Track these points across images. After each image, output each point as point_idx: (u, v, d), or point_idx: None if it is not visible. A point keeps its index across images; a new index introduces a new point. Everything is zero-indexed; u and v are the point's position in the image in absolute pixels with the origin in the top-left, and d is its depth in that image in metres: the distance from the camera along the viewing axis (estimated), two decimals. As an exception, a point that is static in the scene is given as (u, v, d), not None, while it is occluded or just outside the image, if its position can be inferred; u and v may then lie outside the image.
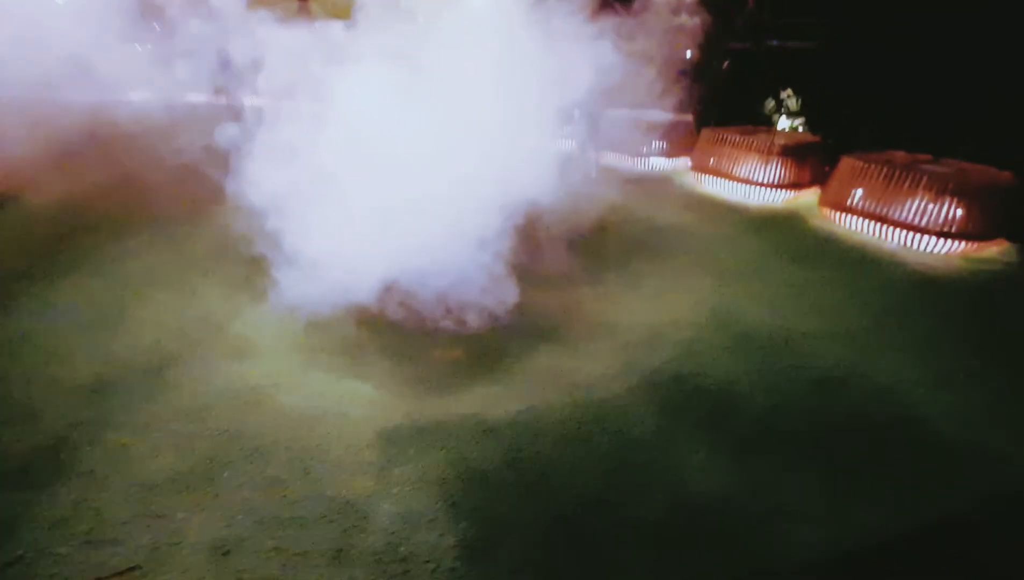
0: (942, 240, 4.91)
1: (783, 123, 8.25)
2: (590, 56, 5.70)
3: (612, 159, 8.18)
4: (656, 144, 7.76)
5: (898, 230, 5.12)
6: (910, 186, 5.05)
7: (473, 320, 4.32)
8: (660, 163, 7.78)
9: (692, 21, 10.56)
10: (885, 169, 5.21)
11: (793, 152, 6.30)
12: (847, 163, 5.60)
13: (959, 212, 4.84)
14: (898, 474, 2.64)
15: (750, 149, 6.41)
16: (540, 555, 2.17)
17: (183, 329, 3.68)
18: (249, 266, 4.18)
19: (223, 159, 3.94)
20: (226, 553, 2.12)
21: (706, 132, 6.98)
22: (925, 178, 4.96)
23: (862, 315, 3.97)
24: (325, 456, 2.63)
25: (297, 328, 3.78)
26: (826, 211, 5.77)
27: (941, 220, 4.89)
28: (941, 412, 3.02)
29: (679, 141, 7.75)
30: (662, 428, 2.89)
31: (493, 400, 3.16)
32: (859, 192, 5.41)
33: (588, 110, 6.96)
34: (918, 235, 5.00)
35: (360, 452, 2.68)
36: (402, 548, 2.18)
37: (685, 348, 3.64)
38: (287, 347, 3.62)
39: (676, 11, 10.53)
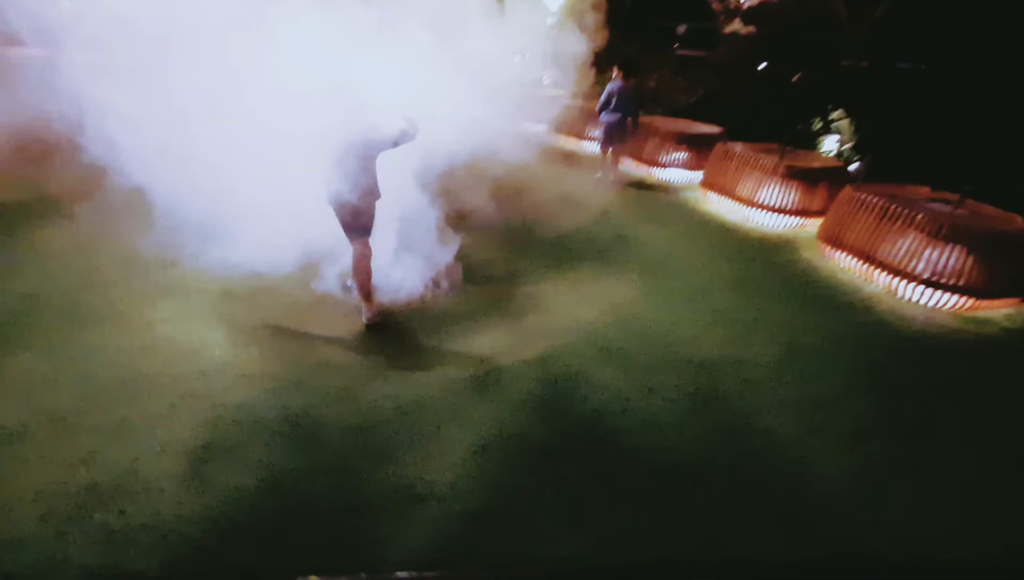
0: (931, 290, 4.28)
1: (828, 145, 7.52)
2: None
3: (630, 164, 7.91)
4: (675, 154, 7.39)
5: (884, 273, 4.53)
6: (902, 224, 4.44)
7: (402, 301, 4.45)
8: (678, 175, 7.40)
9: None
10: (880, 203, 4.62)
11: (804, 175, 5.74)
12: (846, 193, 5.02)
13: (955, 260, 4.19)
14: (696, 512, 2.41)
15: (755, 168, 5.93)
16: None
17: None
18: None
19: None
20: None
21: (719, 147, 6.54)
22: (920, 216, 4.34)
23: (795, 356, 3.57)
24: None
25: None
26: (821, 244, 5.22)
27: (932, 267, 4.25)
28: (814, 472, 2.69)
29: (703, 153, 7.31)
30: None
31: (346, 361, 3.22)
32: (851, 226, 4.84)
33: (610, 115, 6.79)
34: (904, 281, 4.40)
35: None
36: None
37: (563, 358, 3.51)
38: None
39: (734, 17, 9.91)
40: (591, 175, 7.28)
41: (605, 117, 6.91)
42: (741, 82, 9.43)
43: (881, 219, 4.58)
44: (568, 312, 4.12)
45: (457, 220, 5.43)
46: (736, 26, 9.54)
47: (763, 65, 10.57)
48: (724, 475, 2.61)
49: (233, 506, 2.27)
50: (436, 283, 4.84)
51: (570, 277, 4.87)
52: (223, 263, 4.33)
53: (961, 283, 4.16)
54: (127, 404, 2.80)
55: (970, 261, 4.15)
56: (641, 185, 7.24)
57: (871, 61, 8.78)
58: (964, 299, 4.21)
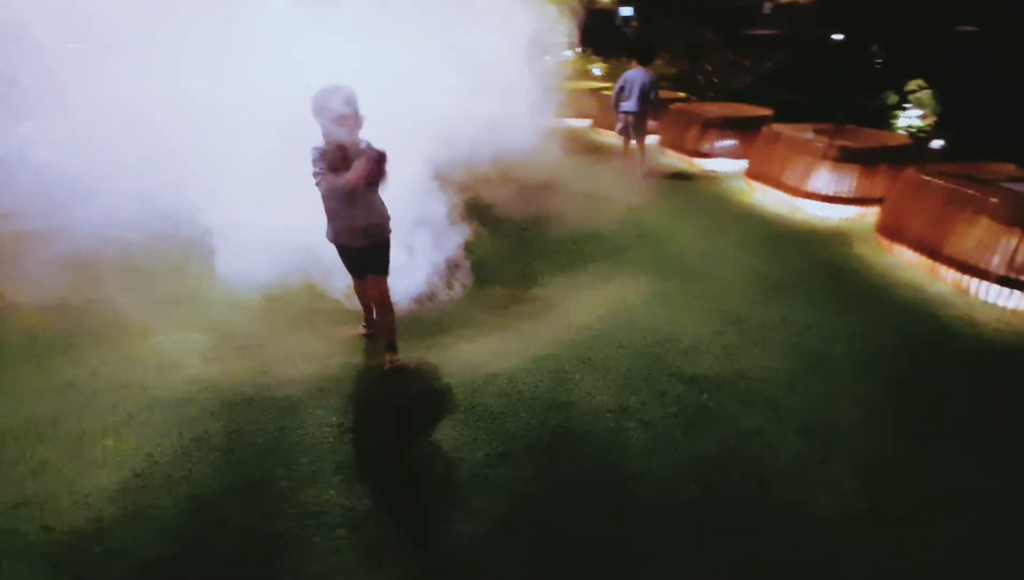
0: (1009, 290, 3.50)
1: (906, 120, 6.55)
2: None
3: (672, 155, 7.36)
4: (719, 142, 6.74)
5: (951, 269, 3.77)
6: (972, 209, 3.67)
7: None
8: (722, 164, 6.75)
9: None
10: (946, 185, 3.86)
11: (861, 157, 4.98)
12: (908, 177, 4.26)
13: (1040, 252, 3.39)
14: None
15: (803, 152, 5.23)
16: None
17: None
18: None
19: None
20: None
21: (764, 130, 5.86)
22: (995, 201, 3.56)
23: (813, 370, 3.03)
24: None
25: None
26: (879, 237, 4.48)
27: (1010, 261, 3.47)
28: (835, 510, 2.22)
29: (751, 139, 6.62)
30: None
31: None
32: (913, 214, 4.09)
33: (627, 104, 6.36)
34: (975, 279, 3.63)
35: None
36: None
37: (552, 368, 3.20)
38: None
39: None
40: (627, 168, 6.82)
41: (623, 107, 6.45)
42: (805, 58, 8.48)
43: (947, 204, 3.83)
44: (565, 319, 3.79)
45: (473, 217, 5.26)
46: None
47: (838, 37, 9.48)
48: (688, 511, 2.20)
49: (145, 526, 2.21)
50: (441, 284, 4.71)
51: (580, 279, 4.54)
52: (233, 271, 4.42)
53: (1048, 280, 3.37)
54: (92, 416, 2.86)
55: (1062, 252, 3.34)
56: (680, 177, 6.68)
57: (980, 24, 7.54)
58: (1055, 299, 3.40)
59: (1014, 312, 3.48)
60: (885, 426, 2.63)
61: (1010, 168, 4.15)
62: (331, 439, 2.72)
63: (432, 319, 4.15)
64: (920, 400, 2.81)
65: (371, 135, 2.79)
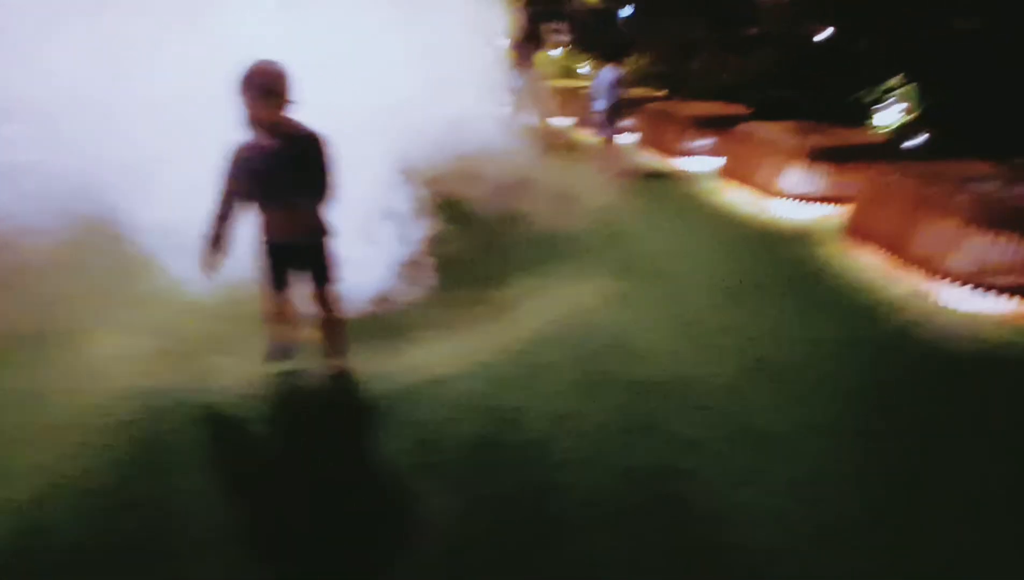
0: (973, 291, 3.38)
1: (887, 118, 6.42)
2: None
3: (650, 154, 7.25)
4: (697, 141, 6.63)
5: (915, 270, 3.66)
6: (938, 208, 3.55)
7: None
8: (700, 163, 6.63)
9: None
10: (914, 186, 3.74)
11: (834, 156, 4.86)
12: (876, 176, 4.15)
13: (1007, 251, 3.27)
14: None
15: (776, 150, 5.11)
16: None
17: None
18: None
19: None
20: None
21: (738, 129, 5.75)
22: (961, 201, 3.44)
23: (765, 376, 2.92)
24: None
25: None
26: (848, 237, 4.37)
27: (974, 261, 3.36)
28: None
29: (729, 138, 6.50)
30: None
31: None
32: (880, 214, 3.98)
33: (613, 97, 6.24)
34: (939, 280, 3.52)
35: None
36: None
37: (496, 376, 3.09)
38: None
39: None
40: (603, 168, 6.71)
41: (594, 106, 6.36)
42: (791, 55, 8.34)
43: (914, 204, 3.71)
44: (521, 322, 3.69)
45: (440, 214, 5.15)
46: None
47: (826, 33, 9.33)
48: (610, 529, 2.09)
49: (44, 538, 2.11)
50: (402, 283, 4.61)
51: (544, 280, 4.43)
52: (187, 271, 4.31)
53: (1016, 281, 3.24)
54: (13, 423, 2.77)
55: (1030, 254, 3.23)
56: (657, 176, 6.56)
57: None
58: (1021, 302, 3.28)
59: (979, 316, 3.36)
60: (829, 437, 2.51)
61: (984, 167, 4.03)
62: (255, 449, 2.63)
63: (387, 321, 4.05)
64: (872, 410, 2.69)
65: (333, 123, 2.64)
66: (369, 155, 4.14)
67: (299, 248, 2.73)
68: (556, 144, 8.42)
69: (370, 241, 4.38)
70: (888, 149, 5.05)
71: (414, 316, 4.15)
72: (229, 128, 2.50)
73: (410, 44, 4.51)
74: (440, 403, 2.78)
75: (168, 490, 2.30)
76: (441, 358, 3.31)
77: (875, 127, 6.22)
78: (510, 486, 2.29)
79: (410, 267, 4.70)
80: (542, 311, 3.81)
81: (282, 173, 2.51)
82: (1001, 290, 3.27)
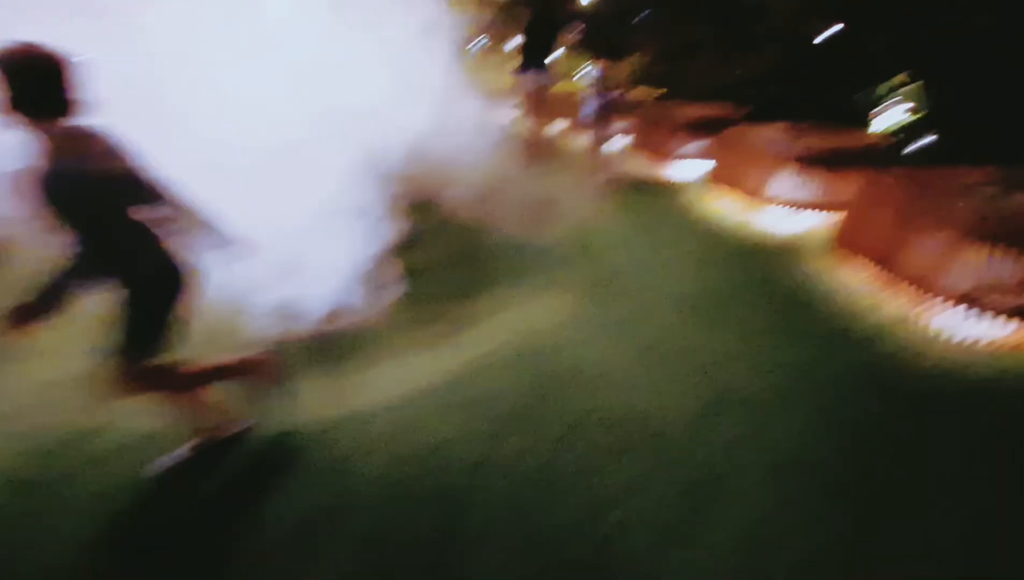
0: (969, 312, 3.02)
1: (887, 120, 6.02)
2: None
3: (639, 157, 6.93)
4: (688, 144, 6.29)
5: (907, 287, 3.31)
6: (931, 219, 3.20)
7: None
8: (691, 167, 6.29)
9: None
10: (907, 194, 3.39)
11: (828, 160, 4.51)
12: (867, 182, 3.80)
13: (1004, 268, 2.91)
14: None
15: (765, 154, 4.77)
16: None
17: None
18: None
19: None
20: None
21: (728, 132, 5.41)
22: (955, 212, 3.08)
23: (725, 409, 2.61)
24: None
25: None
26: (839, 249, 4.02)
27: (969, 279, 3.00)
28: None
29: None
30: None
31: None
32: (870, 224, 3.63)
33: (601, 99, 5.95)
34: (932, 299, 3.16)
35: None
36: None
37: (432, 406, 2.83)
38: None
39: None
40: (589, 173, 6.42)
41: (586, 109, 6.07)
42: (792, 53, 7.95)
43: (906, 214, 3.36)
44: (472, 344, 3.43)
45: (410, 223, 4.92)
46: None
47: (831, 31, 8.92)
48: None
49: None
50: (359, 299, 4.39)
51: (507, 296, 4.18)
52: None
53: (1014, 302, 2.88)
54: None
55: (1030, 271, 2.86)
56: (645, 182, 6.24)
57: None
58: (1020, 326, 2.91)
59: (976, 342, 3.00)
60: (790, 485, 2.20)
61: (985, 173, 3.65)
62: (129, 499, 2.38)
63: (336, 341, 3.83)
64: (846, 452, 2.37)
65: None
66: (334, 157, 3.93)
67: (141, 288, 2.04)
68: (545, 148, 8.15)
69: (327, 250, 4.14)
70: (889, 153, 4.67)
71: (367, 335, 3.92)
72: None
73: (385, 43, 4.28)
74: (356, 442, 2.53)
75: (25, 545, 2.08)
76: (382, 385, 3.07)
77: (877, 129, 5.82)
78: (409, 544, 2.03)
79: (371, 279, 4.48)
80: (500, 330, 3.55)
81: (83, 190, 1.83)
82: (999, 312, 2.91)
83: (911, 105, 5.82)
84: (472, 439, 2.50)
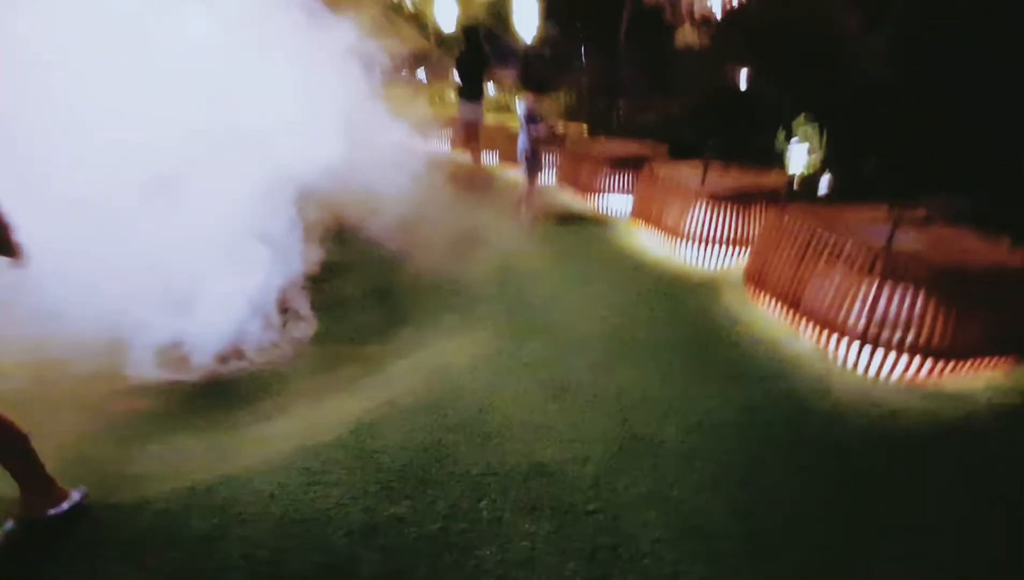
0: (870, 349, 3.09)
1: (797, 159, 6.36)
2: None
3: (566, 191, 6.97)
4: (611, 179, 6.38)
5: (811, 324, 3.36)
6: (829, 256, 3.29)
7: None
8: (614, 202, 6.37)
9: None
10: (805, 231, 3.48)
11: (735, 198, 4.64)
12: (769, 220, 3.90)
13: (904, 306, 3.00)
14: None
15: (678, 191, 4.87)
16: None
17: None
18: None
19: None
20: None
21: (645, 169, 5.52)
22: (850, 247, 3.18)
23: (626, 457, 2.48)
24: None
25: None
26: (746, 286, 4.08)
27: (868, 316, 3.08)
28: None
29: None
30: None
31: None
32: (775, 262, 3.71)
33: (532, 132, 5.92)
34: (835, 336, 3.22)
35: None
36: None
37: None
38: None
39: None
40: (516, 207, 6.37)
41: (519, 142, 6.06)
42: (710, 97, 8.38)
43: (805, 251, 3.45)
44: (372, 390, 3.18)
45: (324, 255, 4.61)
46: (689, 36, 8.55)
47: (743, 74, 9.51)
48: None
49: None
50: (262, 337, 4.04)
51: (420, 335, 3.97)
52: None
53: (915, 339, 2.96)
54: None
55: (928, 307, 2.96)
56: (570, 217, 6.25)
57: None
58: (921, 362, 2.99)
59: (876, 379, 3.06)
60: (690, 544, 2.08)
61: (881, 211, 3.84)
62: None
63: (230, 385, 3.49)
64: (750, 505, 2.28)
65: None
66: (233, 182, 3.62)
67: None
68: (475, 180, 8.09)
69: (229, 279, 3.77)
70: (791, 191, 4.87)
71: (256, 382, 3.59)
72: None
73: (299, 69, 4.05)
74: (231, 509, 2.21)
75: None
76: (269, 439, 2.76)
77: (781, 168, 6.13)
78: None
79: (279, 313, 4.15)
80: (409, 374, 3.32)
81: None
82: (894, 348, 2.98)
83: (808, 146, 6.18)
84: (360, 502, 2.24)
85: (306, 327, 4.33)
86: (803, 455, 2.54)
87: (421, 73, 15.15)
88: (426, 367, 3.34)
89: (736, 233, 4.63)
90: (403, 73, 15.21)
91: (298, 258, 4.26)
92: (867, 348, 3.07)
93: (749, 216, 4.60)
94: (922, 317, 2.95)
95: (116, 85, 3.19)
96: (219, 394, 3.48)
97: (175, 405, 3.37)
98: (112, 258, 3.38)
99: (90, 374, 3.51)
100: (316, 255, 4.50)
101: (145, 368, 3.67)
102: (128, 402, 3.42)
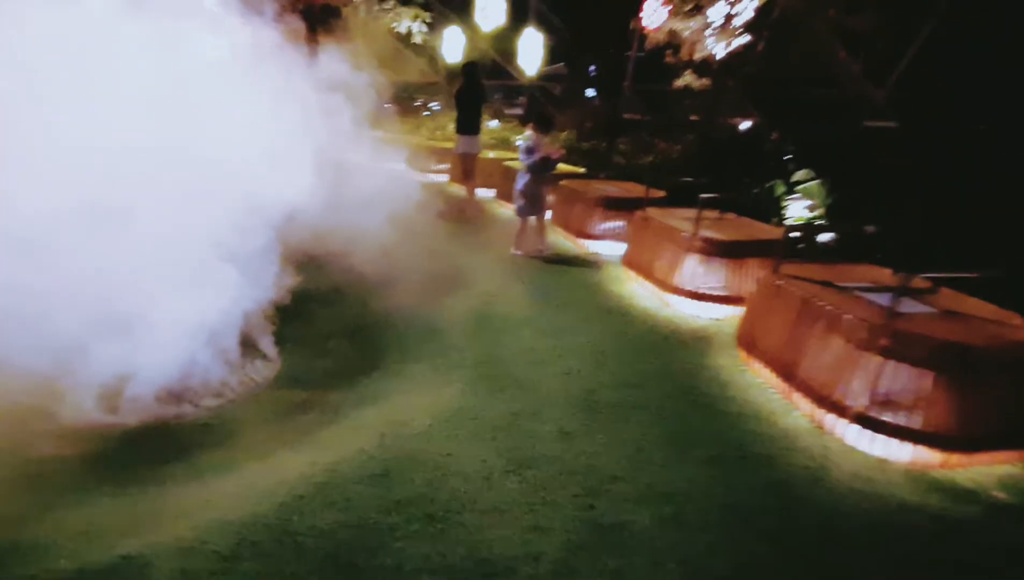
0: (871, 432, 2.78)
1: (795, 211, 6.14)
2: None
3: (560, 234, 6.75)
4: (606, 223, 6.16)
5: (807, 398, 3.06)
6: (825, 328, 3.00)
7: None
8: (608, 247, 6.13)
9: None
10: (801, 295, 3.21)
11: (727, 250, 4.38)
12: (763, 281, 3.64)
13: (906, 386, 2.70)
14: None
15: (670, 240, 4.62)
16: None
17: None
18: None
19: None
20: None
21: (637, 215, 5.29)
22: (848, 318, 2.90)
23: (594, 546, 2.16)
24: None
25: None
26: (738, 347, 3.79)
27: (869, 395, 2.77)
28: None
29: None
30: None
31: None
32: (768, 325, 3.42)
33: (531, 170, 5.73)
34: (833, 414, 2.91)
35: None
36: None
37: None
38: None
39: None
40: (505, 246, 6.13)
41: (518, 180, 5.88)
42: (710, 142, 8.26)
43: (801, 316, 3.17)
44: (320, 450, 2.87)
45: (298, 288, 4.35)
46: (689, 79, 8.48)
47: (746, 125, 9.45)
48: None
49: None
50: (219, 378, 3.77)
51: (387, 383, 3.69)
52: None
53: (922, 425, 2.65)
54: None
55: (933, 388, 2.65)
56: (561, 260, 6.00)
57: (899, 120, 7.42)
58: (926, 451, 2.67)
59: (877, 461, 2.74)
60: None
61: (884, 273, 3.57)
62: None
63: (155, 436, 3.20)
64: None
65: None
66: (190, 208, 3.39)
67: None
68: (466, 215, 7.91)
69: (182, 305, 3.47)
70: (789, 247, 4.62)
71: (208, 426, 3.31)
72: None
73: (275, 98, 3.87)
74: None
75: None
76: (186, 507, 2.45)
77: (780, 222, 5.91)
78: None
79: (238, 347, 3.88)
80: (361, 432, 3.02)
81: None
82: (902, 435, 2.67)
83: (812, 202, 5.97)
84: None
85: (267, 367, 4.05)
86: (793, 557, 2.20)
87: (435, 104, 15.23)
88: (381, 424, 3.03)
89: (730, 287, 4.36)
90: (416, 104, 15.28)
91: (268, 284, 4.00)
92: (865, 429, 2.75)
93: (743, 270, 4.34)
94: (929, 401, 2.65)
95: (63, 108, 3.00)
96: (154, 443, 3.19)
97: (104, 453, 3.08)
98: (51, 287, 3.13)
99: (18, 415, 3.23)
100: (289, 282, 4.24)
101: (79, 409, 3.39)
102: (53, 447, 3.13)
